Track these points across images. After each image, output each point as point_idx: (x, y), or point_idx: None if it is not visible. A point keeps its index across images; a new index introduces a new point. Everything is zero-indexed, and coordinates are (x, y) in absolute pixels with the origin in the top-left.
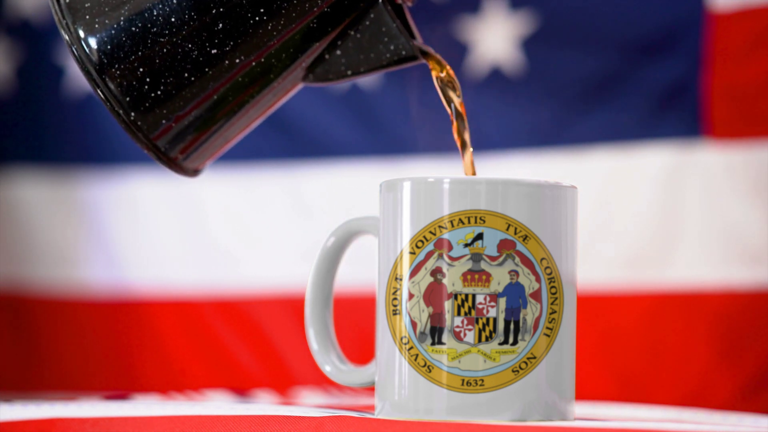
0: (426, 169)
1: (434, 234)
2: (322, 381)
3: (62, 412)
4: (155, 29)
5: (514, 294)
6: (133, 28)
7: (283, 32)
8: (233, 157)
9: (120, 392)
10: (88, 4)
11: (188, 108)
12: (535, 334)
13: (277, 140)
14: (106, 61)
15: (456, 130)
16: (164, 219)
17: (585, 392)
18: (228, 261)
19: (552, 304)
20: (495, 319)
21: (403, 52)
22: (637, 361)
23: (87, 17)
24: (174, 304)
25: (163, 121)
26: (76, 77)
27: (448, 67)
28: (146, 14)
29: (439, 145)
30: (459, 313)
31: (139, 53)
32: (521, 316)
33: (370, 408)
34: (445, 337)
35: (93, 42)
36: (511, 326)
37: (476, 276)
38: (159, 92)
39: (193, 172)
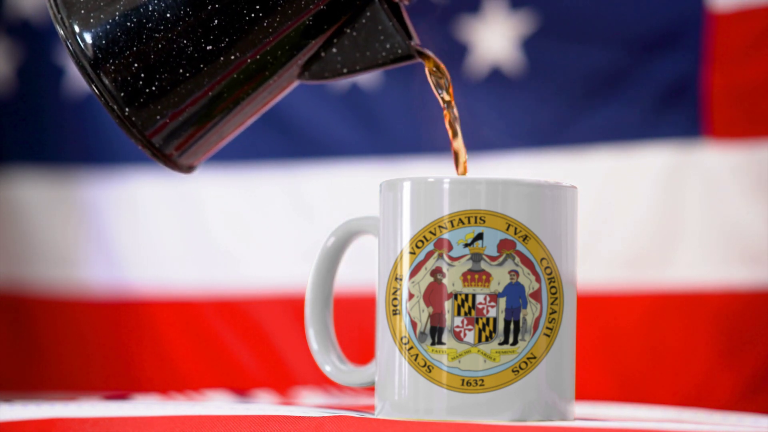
0: (426, 169)
1: (434, 234)
2: (322, 381)
3: (62, 412)
4: (150, 25)
5: (514, 294)
6: (129, 24)
7: (279, 29)
8: (233, 157)
9: (120, 392)
10: None
11: (183, 104)
12: (535, 334)
13: (277, 140)
14: (100, 56)
15: (448, 122)
16: (164, 219)
17: (585, 392)
18: (228, 261)
19: (552, 304)
20: (495, 319)
21: (399, 51)
22: (637, 361)
23: (82, 12)
24: (174, 304)
25: (158, 117)
26: (76, 77)
27: (442, 66)
28: (141, 10)
29: (440, 145)
30: (459, 313)
31: (134, 48)
32: (521, 316)
33: (370, 408)
34: (445, 337)
35: (88, 37)
36: (511, 326)
37: (476, 276)
38: (154, 88)
39: (188, 169)
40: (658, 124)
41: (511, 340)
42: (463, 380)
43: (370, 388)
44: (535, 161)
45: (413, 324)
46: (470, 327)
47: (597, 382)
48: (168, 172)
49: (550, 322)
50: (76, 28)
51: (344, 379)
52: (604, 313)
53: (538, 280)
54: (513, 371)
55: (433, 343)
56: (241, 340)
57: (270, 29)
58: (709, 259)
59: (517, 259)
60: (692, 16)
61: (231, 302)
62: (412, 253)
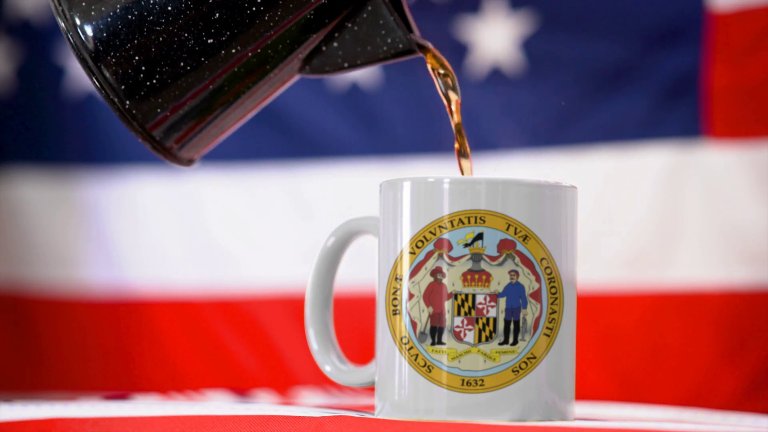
0: (426, 169)
1: (434, 234)
2: (322, 381)
3: (62, 412)
4: (152, 17)
5: (514, 294)
6: (130, 16)
7: (281, 23)
8: (233, 157)
9: (120, 392)
10: None
11: (184, 97)
12: (535, 334)
13: (277, 140)
14: (101, 48)
15: (453, 122)
16: (164, 219)
17: (585, 392)
18: (228, 261)
19: (552, 304)
20: (495, 319)
21: (400, 46)
22: (637, 361)
23: (83, 4)
24: (174, 304)
25: (158, 110)
26: (77, 77)
27: (444, 60)
28: (143, 2)
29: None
30: (459, 313)
31: (135, 41)
32: (521, 316)
33: (370, 408)
34: (445, 337)
35: (89, 29)
36: (511, 326)
37: (476, 276)
38: (155, 81)
39: (188, 162)
40: (658, 124)
41: (511, 340)
42: (463, 380)
43: (370, 388)
44: (535, 161)
45: (413, 324)
46: (470, 327)
47: (597, 382)
48: (168, 172)
49: (550, 322)
50: (77, 21)
51: (344, 379)
52: (604, 313)
53: (538, 280)
54: (513, 371)
55: (433, 343)
56: (241, 340)
57: (271, 23)
58: (710, 259)
59: (517, 259)
60: (692, 17)
61: (231, 302)
62: (412, 253)
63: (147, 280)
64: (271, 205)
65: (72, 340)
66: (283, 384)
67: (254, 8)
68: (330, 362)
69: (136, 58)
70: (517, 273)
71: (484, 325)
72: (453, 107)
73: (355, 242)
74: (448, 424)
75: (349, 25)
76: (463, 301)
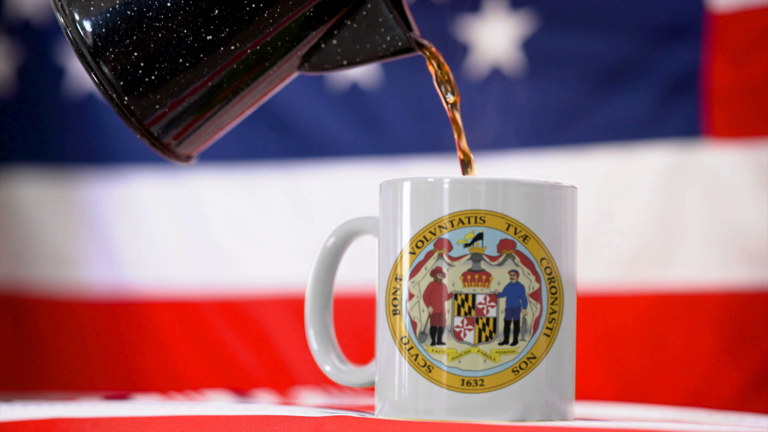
0: (426, 169)
1: (434, 234)
2: (322, 381)
3: (62, 412)
4: (151, 13)
5: (514, 294)
6: (129, 12)
7: (280, 20)
8: (233, 158)
9: (120, 392)
10: None
11: (182, 94)
12: (535, 334)
13: (277, 140)
14: (100, 44)
15: (452, 119)
16: (165, 219)
17: (585, 392)
18: (228, 261)
19: (552, 304)
20: (495, 319)
21: (399, 44)
22: (637, 361)
23: (83, 0)
24: (174, 304)
25: (157, 107)
26: (77, 77)
27: (442, 59)
28: None
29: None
30: (459, 313)
31: (134, 37)
32: (521, 316)
33: (370, 408)
34: (445, 337)
35: (88, 25)
36: (511, 326)
37: (476, 276)
38: (153, 77)
39: (186, 158)
40: (658, 124)
41: (511, 340)
42: (463, 380)
43: (370, 388)
44: (535, 161)
45: (413, 324)
46: (470, 327)
47: (597, 382)
48: (169, 172)
49: (550, 322)
50: (76, 16)
51: (344, 379)
52: (604, 313)
53: (538, 280)
54: (513, 371)
55: (433, 343)
56: (241, 340)
57: (270, 20)
58: (710, 259)
59: (517, 259)
60: (692, 16)
61: (231, 302)
62: (412, 253)
63: (147, 280)
64: (271, 205)
65: (72, 340)
66: (283, 384)
67: (253, 5)
68: (330, 362)
69: (135, 54)
70: (517, 273)
71: (484, 325)
72: (451, 107)
73: (355, 242)
74: (448, 424)
75: (349, 22)
76: (463, 301)
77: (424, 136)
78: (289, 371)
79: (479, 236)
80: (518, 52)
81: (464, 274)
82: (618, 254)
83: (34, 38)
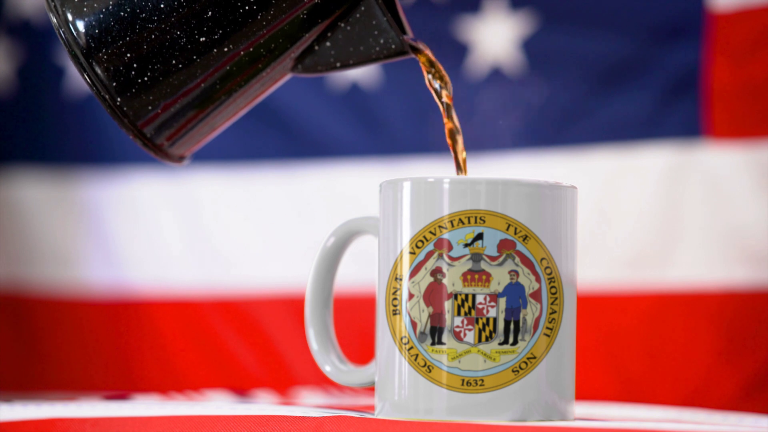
0: (426, 169)
1: (434, 234)
2: (322, 381)
3: (62, 412)
4: (144, 15)
5: (514, 294)
6: (122, 13)
7: (273, 22)
8: (233, 157)
9: (120, 392)
10: None
11: (175, 95)
12: (535, 334)
13: (277, 140)
14: (93, 45)
15: (446, 120)
16: (164, 219)
17: (585, 392)
18: (228, 261)
19: (552, 304)
20: (495, 319)
21: (393, 46)
22: (637, 361)
23: (76, 0)
24: (174, 304)
25: (150, 108)
26: (77, 78)
27: (435, 60)
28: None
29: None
30: (459, 313)
31: (127, 38)
32: (521, 316)
33: (370, 408)
34: (445, 337)
35: (81, 25)
36: (511, 326)
37: (476, 276)
38: (146, 78)
39: (179, 159)
40: (658, 124)
41: (511, 340)
42: (463, 380)
43: (370, 388)
44: (535, 161)
45: (413, 324)
46: (470, 327)
47: (597, 382)
48: (168, 172)
49: (550, 322)
50: (69, 17)
51: (344, 379)
52: (604, 313)
53: (538, 280)
54: (513, 371)
55: (433, 343)
56: (241, 340)
57: (264, 22)
58: (710, 259)
59: (517, 259)
60: (692, 16)
61: (231, 302)
62: (412, 253)
63: (147, 280)
64: (271, 205)
65: (72, 340)
66: (283, 384)
67: (247, 7)
68: (330, 362)
69: (128, 55)
70: (517, 273)
71: (484, 325)
72: (446, 110)
73: (355, 242)
74: (448, 424)
75: (342, 24)
76: (463, 301)
77: (424, 136)
78: (289, 371)
79: (479, 236)
80: (518, 52)
81: (464, 274)
82: (618, 254)
83: (34, 38)
